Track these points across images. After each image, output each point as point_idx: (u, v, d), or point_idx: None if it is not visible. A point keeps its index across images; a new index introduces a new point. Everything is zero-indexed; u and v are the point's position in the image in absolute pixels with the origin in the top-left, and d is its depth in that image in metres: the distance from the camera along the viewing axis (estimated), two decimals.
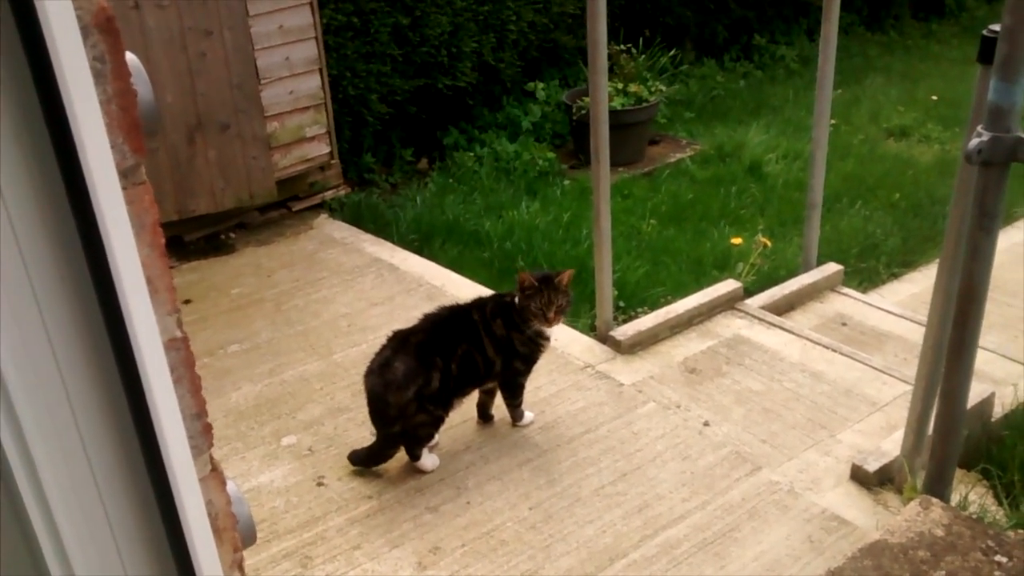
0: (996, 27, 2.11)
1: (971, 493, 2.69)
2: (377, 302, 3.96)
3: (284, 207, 4.87)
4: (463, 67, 5.60)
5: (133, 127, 0.74)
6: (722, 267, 4.31)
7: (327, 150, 4.88)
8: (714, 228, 4.76)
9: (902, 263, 4.59)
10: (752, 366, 3.41)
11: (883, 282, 4.46)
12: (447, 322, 2.89)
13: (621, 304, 3.94)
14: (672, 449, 2.96)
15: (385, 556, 2.57)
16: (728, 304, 3.80)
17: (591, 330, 3.68)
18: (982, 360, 2.52)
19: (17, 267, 0.69)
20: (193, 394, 0.87)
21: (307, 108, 4.70)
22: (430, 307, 2.99)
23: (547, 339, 2.96)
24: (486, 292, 3.47)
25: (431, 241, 4.57)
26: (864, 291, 4.26)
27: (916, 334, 3.48)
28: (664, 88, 6.09)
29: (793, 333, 3.62)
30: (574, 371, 3.40)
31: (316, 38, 4.61)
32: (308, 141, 4.77)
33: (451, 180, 5.31)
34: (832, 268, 4.17)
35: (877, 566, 2.21)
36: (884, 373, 3.35)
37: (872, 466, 2.79)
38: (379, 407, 2.80)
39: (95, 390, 0.74)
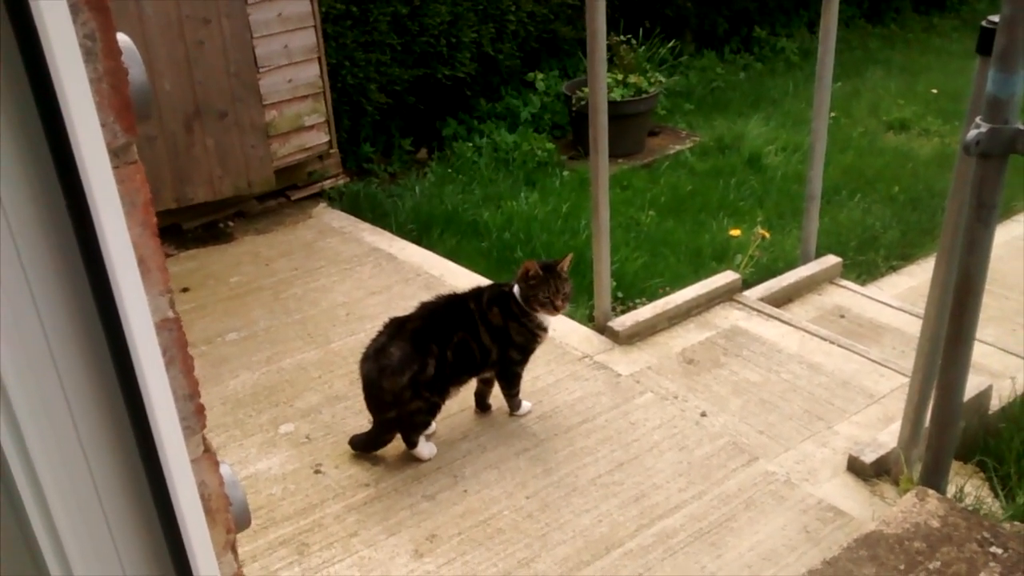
0: (995, 18, 2.10)
1: (967, 485, 2.70)
2: (375, 291, 3.95)
3: (283, 196, 4.87)
4: (462, 57, 5.59)
5: (124, 106, 0.74)
6: (720, 259, 4.31)
7: (326, 139, 4.87)
8: (713, 220, 4.75)
9: (901, 256, 4.58)
10: (750, 357, 3.41)
11: (881, 275, 4.46)
12: (444, 310, 2.89)
13: (619, 295, 3.94)
14: (669, 439, 2.96)
15: (382, 543, 2.57)
16: (726, 295, 3.80)
17: (589, 320, 3.68)
18: (980, 353, 2.52)
19: (8, 248, 0.69)
20: (186, 374, 0.87)
21: (306, 97, 4.69)
22: (428, 296, 2.99)
23: (545, 330, 2.96)
24: (484, 282, 3.47)
25: (430, 231, 4.57)
26: (862, 284, 4.25)
27: (914, 327, 3.49)
28: (664, 79, 6.08)
29: (791, 325, 3.62)
30: (572, 361, 3.40)
31: (315, 26, 4.59)
32: (307, 130, 4.76)
33: (450, 170, 5.31)
34: (831, 260, 4.17)
35: (873, 557, 2.21)
36: (881, 365, 3.35)
37: (869, 457, 2.79)
38: (374, 393, 2.80)
39: (87, 370, 0.73)
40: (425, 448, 2.89)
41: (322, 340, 3.58)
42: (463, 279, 3.94)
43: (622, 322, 3.55)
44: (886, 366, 3.34)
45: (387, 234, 4.49)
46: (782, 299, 3.94)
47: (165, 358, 0.84)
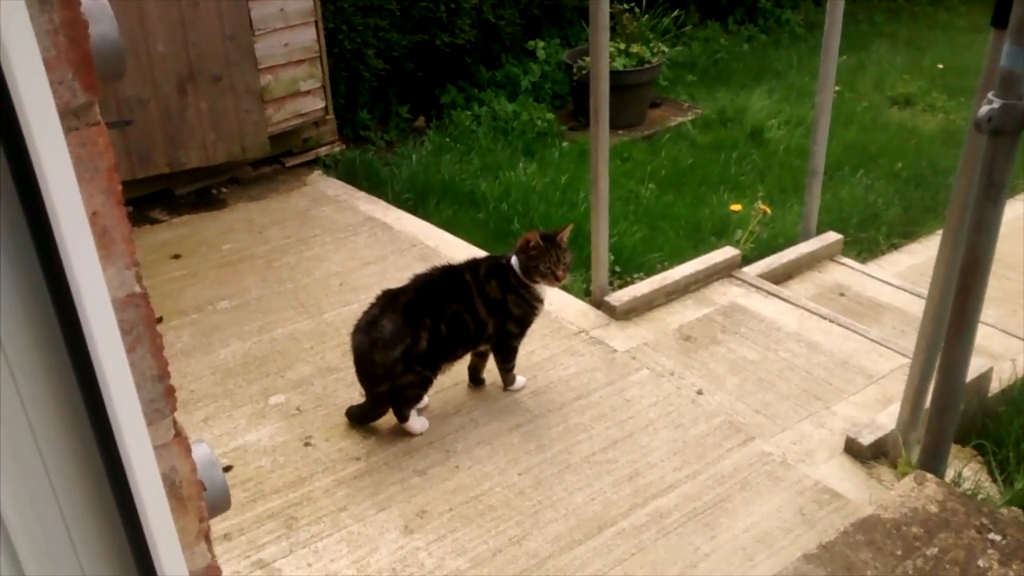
0: None
1: (965, 469, 2.66)
2: (370, 261, 3.89)
3: (277, 162, 4.79)
4: (462, 23, 5.49)
5: (84, 61, 0.67)
6: (720, 234, 4.25)
7: (322, 105, 4.79)
8: (713, 194, 4.68)
9: (902, 234, 4.52)
10: (748, 335, 3.36)
11: (882, 252, 4.40)
12: (438, 282, 2.83)
13: (617, 269, 3.88)
14: (664, 417, 2.92)
15: (371, 518, 2.53)
16: (725, 272, 3.74)
17: (586, 295, 3.63)
18: (980, 334, 2.46)
19: None
20: (154, 354, 0.81)
21: (302, 61, 4.60)
22: (423, 267, 2.93)
23: (541, 301, 2.92)
24: (480, 254, 3.41)
25: (426, 201, 4.50)
26: (863, 261, 4.20)
27: (914, 306, 3.44)
28: (667, 50, 5.98)
29: (790, 302, 3.57)
30: (567, 336, 3.35)
31: None
32: (302, 95, 4.68)
33: (448, 139, 5.22)
34: (831, 237, 4.11)
35: (870, 541, 2.17)
36: (881, 345, 3.30)
37: (867, 439, 2.75)
38: (365, 366, 2.75)
39: (38, 351, 0.68)
40: (417, 422, 2.84)
41: (315, 310, 3.53)
42: (459, 250, 3.88)
43: (619, 297, 3.49)
44: (885, 346, 3.30)
45: (383, 203, 4.42)
46: (782, 276, 3.89)
47: (131, 336, 0.78)
